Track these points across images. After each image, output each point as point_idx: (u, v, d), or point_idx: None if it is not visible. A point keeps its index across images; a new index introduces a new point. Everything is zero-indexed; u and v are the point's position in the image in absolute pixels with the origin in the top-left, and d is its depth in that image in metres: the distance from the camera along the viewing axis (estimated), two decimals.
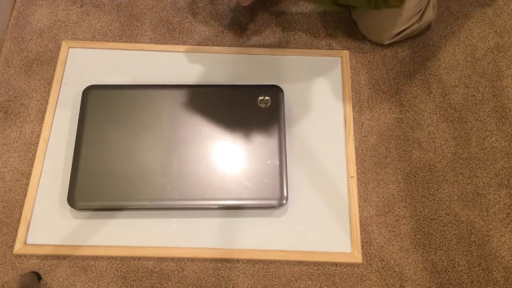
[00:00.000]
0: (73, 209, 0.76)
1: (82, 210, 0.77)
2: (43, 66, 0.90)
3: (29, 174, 0.81)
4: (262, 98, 0.83)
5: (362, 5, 0.79)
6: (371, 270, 0.77)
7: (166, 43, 0.93)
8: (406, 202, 0.82)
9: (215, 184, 0.77)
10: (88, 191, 0.76)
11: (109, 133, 0.79)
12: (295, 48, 0.93)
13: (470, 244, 0.79)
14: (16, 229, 0.77)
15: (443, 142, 0.86)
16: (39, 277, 0.75)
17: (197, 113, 0.81)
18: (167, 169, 0.77)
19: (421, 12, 0.85)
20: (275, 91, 0.83)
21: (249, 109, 0.82)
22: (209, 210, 0.79)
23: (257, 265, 0.77)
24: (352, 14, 0.94)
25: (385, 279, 0.77)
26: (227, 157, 0.79)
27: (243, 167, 0.78)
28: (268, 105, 0.82)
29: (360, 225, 0.79)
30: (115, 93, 0.83)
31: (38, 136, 0.84)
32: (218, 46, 0.93)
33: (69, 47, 0.91)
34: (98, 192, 0.76)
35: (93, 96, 0.82)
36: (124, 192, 0.76)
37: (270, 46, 0.93)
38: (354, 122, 0.87)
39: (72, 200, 0.75)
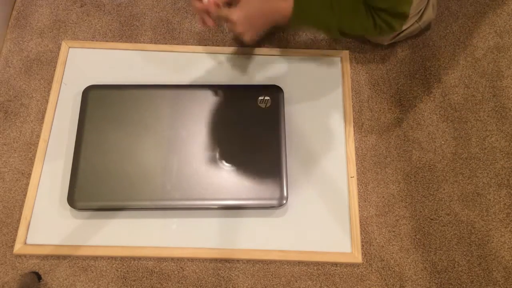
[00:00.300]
0: (73, 209, 0.76)
1: (82, 210, 0.77)
2: (43, 66, 0.90)
3: (29, 174, 0.81)
4: (262, 98, 0.82)
5: (368, 34, 0.79)
6: (371, 270, 0.77)
7: (166, 43, 0.93)
8: (406, 202, 0.82)
9: (215, 184, 0.77)
10: (88, 191, 0.76)
11: (109, 133, 0.79)
12: (295, 48, 0.93)
13: (470, 244, 0.79)
14: (16, 229, 0.77)
15: (443, 142, 0.86)
16: (39, 277, 0.75)
17: (197, 113, 0.81)
18: (167, 169, 0.77)
19: (420, 12, 0.85)
20: (275, 91, 0.83)
21: (249, 109, 0.82)
22: (209, 210, 0.79)
23: (257, 265, 0.77)
24: None
25: (385, 279, 0.77)
26: (227, 157, 0.79)
27: (243, 167, 0.78)
28: (268, 105, 0.82)
29: (360, 225, 0.79)
30: (115, 93, 0.83)
31: (38, 136, 0.84)
32: (218, 46, 0.93)
33: (69, 47, 0.91)
34: (98, 192, 0.76)
35: (93, 96, 0.82)
36: (124, 192, 0.76)
37: (270, 46, 0.93)
38: (354, 122, 0.87)
39: (72, 200, 0.75)
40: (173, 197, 0.76)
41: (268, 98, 0.83)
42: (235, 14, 0.69)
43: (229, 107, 0.82)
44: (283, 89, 0.84)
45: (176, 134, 0.80)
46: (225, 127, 0.81)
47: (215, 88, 0.84)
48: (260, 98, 0.82)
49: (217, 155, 0.79)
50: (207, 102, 0.82)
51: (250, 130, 0.81)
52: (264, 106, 0.82)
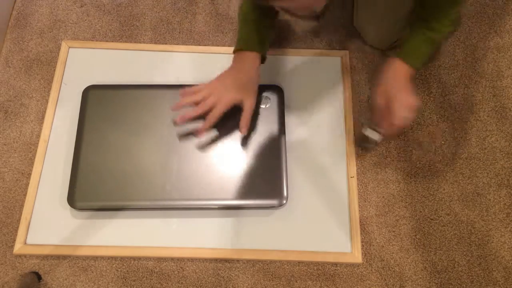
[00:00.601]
0: (73, 209, 0.76)
1: (82, 210, 0.77)
2: (43, 66, 0.90)
3: (29, 174, 0.81)
4: (262, 98, 0.82)
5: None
6: (371, 270, 0.77)
7: (166, 43, 0.93)
8: (406, 202, 0.82)
9: (215, 184, 0.77)
10: (88, 191, 0.76)
11: (109, 133, 0.79)
12: (295, 48, 0.93)
13: (470, 244, 0.79)
14: (16, 229, 0.77)
15: (443, 142, 0.86)
16: (39, 277, 0.75)
17: None
18: (167, 169, 0.77)
19: None
20: (275, 91, 0.83)
21: None
22: (209, 210, 0.78)
23: (257, 265, 0.77)
24: (355, 22, 0.93)
25: (385, 279, 0.77)
26: (227, 157, 0.79)
27: (243, 167, 0.78)
28: (268, 105, 0.82)
29: (360, 225, 0.79)
30: (115, 93, 0.83)
31: (38, 136, 0.84)
32: (218, 46, 0.93)
33: (69, 47, 0.91)
34: (98, 192, 0.76)
35: (93, 96, 0.82)
36: (124, 192, 0.76)
37: (270, 46, 0.92)
38: (354, 122, 0.86)
39: (72, 200, 0.75)
40: (173, 197, 0.76)
41: (268, 98, 0.83)
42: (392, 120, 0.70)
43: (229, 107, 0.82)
44: (283, 89, 0.84)
45: (176, 134, 0.80)
46: (225, 127, 0.81)
47: None
48: (260, 98, 0.82)
49: (217, 155, 0.79)
50: None
51: (250, 130, 0.80)
52: (264, 106, 0.82)
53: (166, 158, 0.78)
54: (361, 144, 0.83)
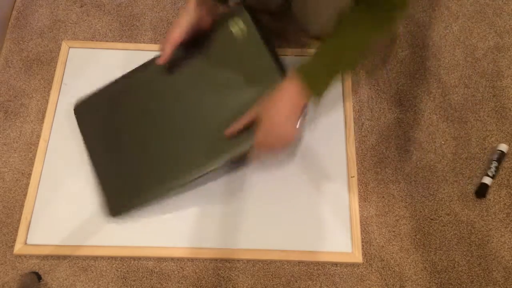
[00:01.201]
0: (77, 209, 0.76)
1: (123, 214, 0.76)
2: (43, 66, 0.90)
3: (29, 174, 0.81)
4: (232, 21, 0.75)
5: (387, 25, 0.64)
6: (371, 270, 0.77)
7: None
8: (406, 202, 0.82)
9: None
10: (121, 195, 0.75)
11: (116, 136, 0.78)
12: (295, 48, 0.93)
13: (470, 244, 0.79)
14: (16, 229, 0.77)
15: (443, 142, 0.86)
16: (39, 277, 0.75)
17: (189, 84, 0.77)
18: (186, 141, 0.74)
19: None
20: (241, 14, 0.75)
21: (223, 41, 0.76)
22: (209, 210, 0.78)
23: (257, 265, 0.77)
24: (294, 12, 0.88)
25: (385, 279, 0.77)
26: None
27: None
28: (244, 31, 0.75)
29: (360, 225, 0.79)
30: (103, 95, 0.80)
31: (38, 136, 0.84)
32: None
33: (69, 47, 0.91)
34: (131, 192, 0.74)
35: (85, 109, 0.80)
36: (153, 180, 0.74)
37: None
38: (354, 122, 0.86)
39: (112, 209, 0.74)
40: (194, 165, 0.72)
41: (240, 21, 0.75)
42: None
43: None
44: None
45: (173, 110, 0.76)
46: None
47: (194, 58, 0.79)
48: (230, 22, 0.76)
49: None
50: (193, 75, 0.77)
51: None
52: (239, 34, 0.75)
53: (171, 136, 0.75)
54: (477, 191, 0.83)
